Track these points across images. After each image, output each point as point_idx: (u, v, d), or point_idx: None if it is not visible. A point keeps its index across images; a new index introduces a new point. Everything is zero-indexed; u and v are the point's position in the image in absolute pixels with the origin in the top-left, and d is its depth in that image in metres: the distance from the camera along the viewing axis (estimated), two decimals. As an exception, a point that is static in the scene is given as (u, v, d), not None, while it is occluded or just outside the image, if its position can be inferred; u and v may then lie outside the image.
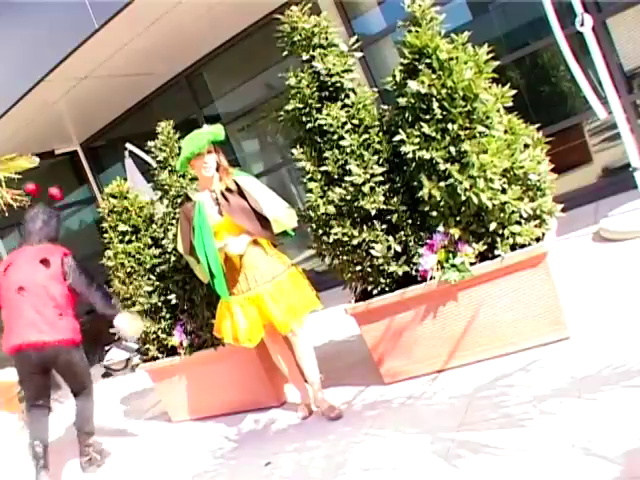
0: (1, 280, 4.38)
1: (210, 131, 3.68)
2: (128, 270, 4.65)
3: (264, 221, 3.66)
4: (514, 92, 3.44)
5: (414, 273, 3.54)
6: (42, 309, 4.26)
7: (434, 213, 3.40)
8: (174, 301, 4.51)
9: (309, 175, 3.70)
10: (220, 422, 4.51)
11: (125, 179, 5.01)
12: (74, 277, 4.40)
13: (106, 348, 7.88)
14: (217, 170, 3.74)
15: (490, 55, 3.40)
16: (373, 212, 3.51)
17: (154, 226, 4.73)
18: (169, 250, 4.46)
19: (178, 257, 4.37)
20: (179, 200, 4.36)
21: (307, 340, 3.84)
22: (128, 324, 4.45)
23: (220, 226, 3.66)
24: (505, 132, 3.39)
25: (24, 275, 4.33)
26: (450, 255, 3.40)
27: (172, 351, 4.69)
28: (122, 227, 4.70)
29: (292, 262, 3.88)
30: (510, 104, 3.45)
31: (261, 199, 3.67)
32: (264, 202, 3.66)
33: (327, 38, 3.67)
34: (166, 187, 4.45)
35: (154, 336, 4.67)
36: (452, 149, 3.27)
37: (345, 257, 3.68)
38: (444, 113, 3.27)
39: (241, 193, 3.68)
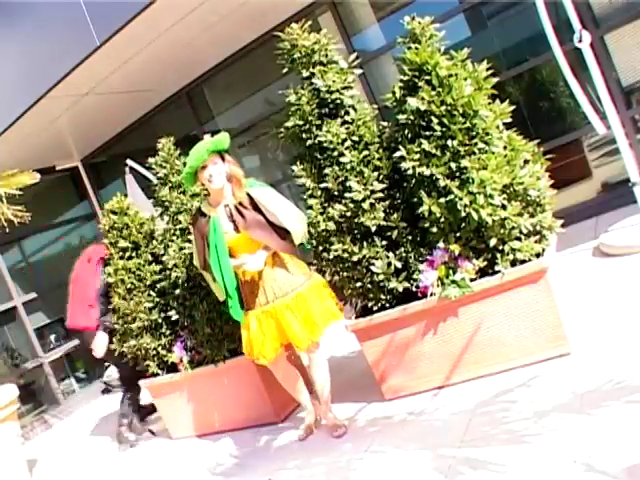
0: None
1: (211, 141, 3.50)
2: (128, 286, 4.66)
3: (283, 233, 3.52)
4: (513, 108, 3.44)
5: (414, 289, 3.54)
6: None
7: (434, 229, 3.40)
8: (174, 317, 4.51)
9: (309, 192, 3.70)
10: (220, 439, 4.49)
11: (125, 195, 5.02)
12: None
13: (105, 364, 7.85)
14: (229, 181, 3.58)
15: (489, 71, 3.43)
16: (373, 228, 3.51)
17: (154, 242, 4.73)
18: (169, 266, 4.45)
19: (178, 273, 4.38)
20: (180, 217, 4.38)
21: (323, 355, 3.75)
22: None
23: (236, 242, 3.54)
24: (505, 148, 3.41)
25: None
26: (450, 271, 3.39)
27: (172, 367, 4.68)
28: (122, 243, 4.71)
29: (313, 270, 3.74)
30: (509, 120, 3.46)
31: (278, 211, 3.50)
32: (282, 215, 3.50)
33: (327, 55, 3.67)
34: (166, 203, 4.46)
35: (154, 352, 4.66)
36: (452, 165, 3.27)
37: (345, 273, 3.68)
38: (444, 130, 3.28)
39: (256, 206, 3.54)
